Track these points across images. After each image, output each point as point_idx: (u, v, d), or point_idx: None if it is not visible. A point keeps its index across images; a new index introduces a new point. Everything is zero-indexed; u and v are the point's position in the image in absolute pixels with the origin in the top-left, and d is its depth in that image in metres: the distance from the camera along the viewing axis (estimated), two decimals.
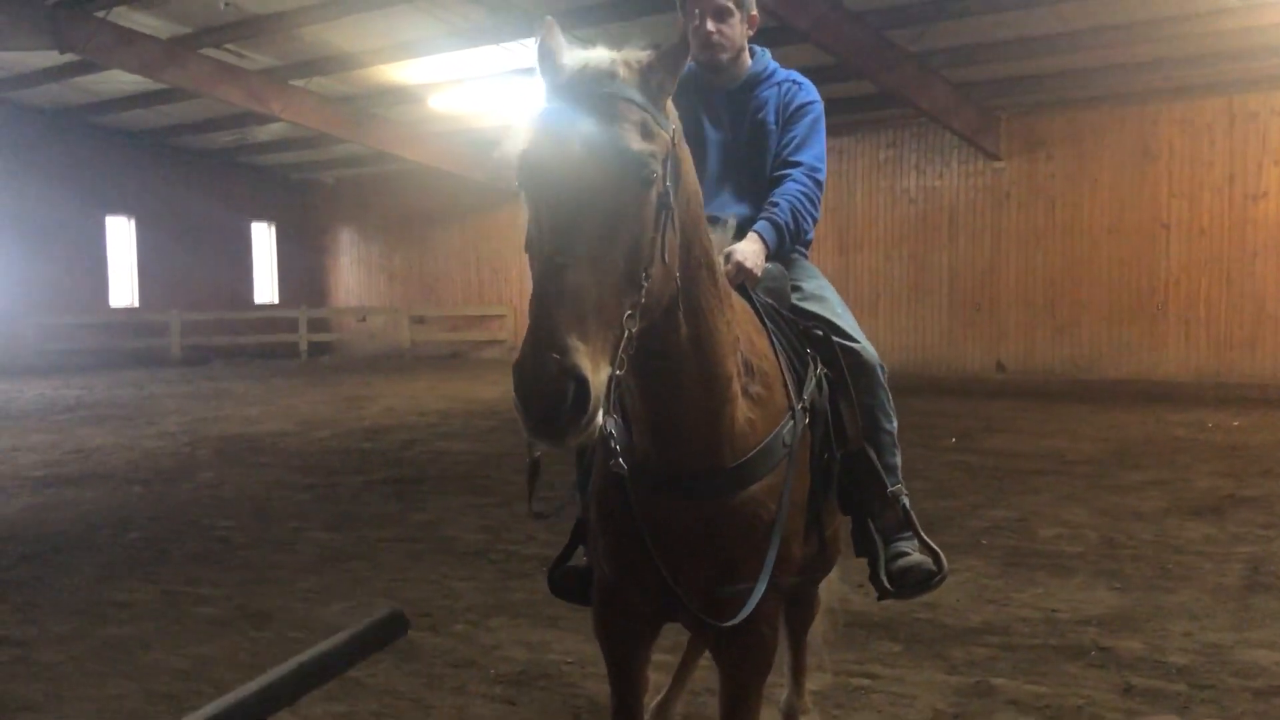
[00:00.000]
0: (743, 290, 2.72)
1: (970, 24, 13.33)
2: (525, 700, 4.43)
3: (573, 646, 5.02)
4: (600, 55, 2.11)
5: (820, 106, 3.23)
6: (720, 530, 2.46)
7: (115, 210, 22.93)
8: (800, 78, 3.27)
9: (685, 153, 2.27)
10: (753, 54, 3.28)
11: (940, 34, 13.69)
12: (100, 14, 15.14)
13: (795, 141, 3.14)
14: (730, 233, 2.86)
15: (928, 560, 2.87)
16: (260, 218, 25.44)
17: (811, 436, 2.67)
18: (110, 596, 6.00)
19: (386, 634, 2.27)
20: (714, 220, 2.89)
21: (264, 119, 19.23)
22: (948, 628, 5.22)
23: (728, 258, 2.75)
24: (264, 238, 25.82)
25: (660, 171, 2.06)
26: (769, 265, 2.88)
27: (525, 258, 2.03)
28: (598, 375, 1.88)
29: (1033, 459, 9.80)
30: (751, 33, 3.23)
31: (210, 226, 24.18)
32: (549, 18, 2.15)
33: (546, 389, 1.83)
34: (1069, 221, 16.40)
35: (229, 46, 16.55)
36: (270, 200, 25.41)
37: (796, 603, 3.75)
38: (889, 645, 5.01)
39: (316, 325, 24.76)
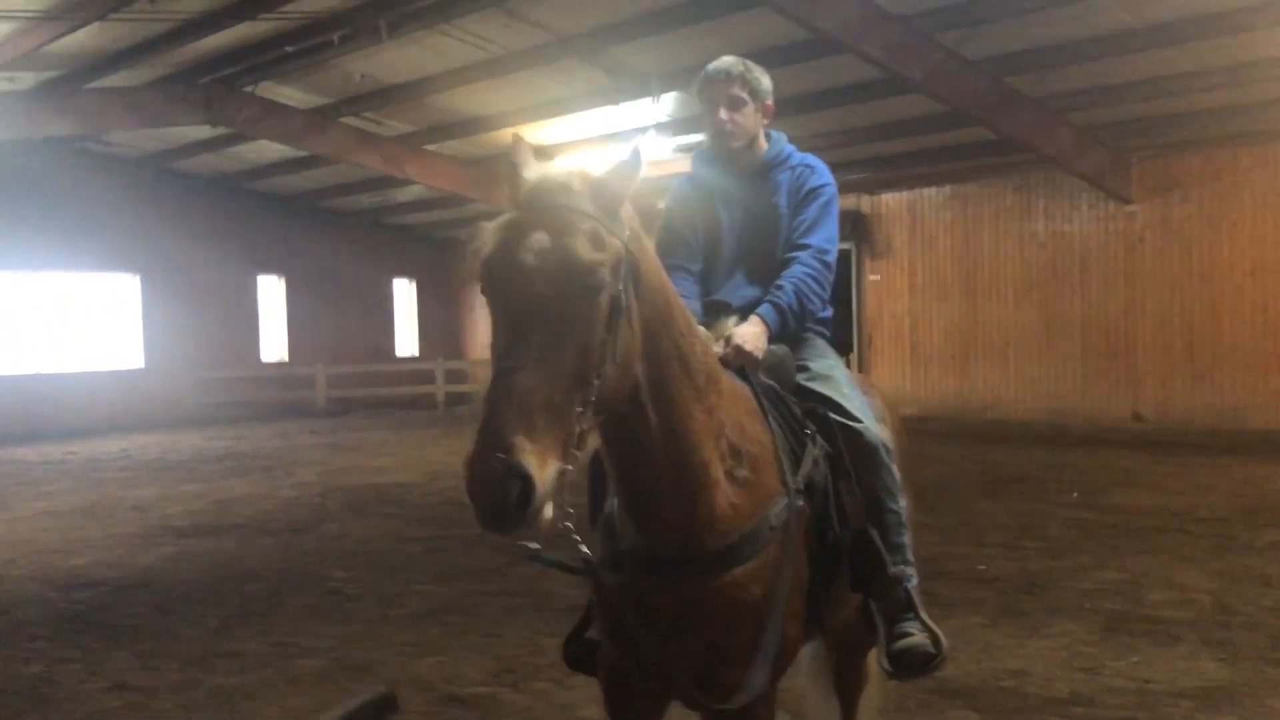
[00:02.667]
0: (743, 372, 2.81)
1: (1095, 67, 13.06)
2: None
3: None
4: (557, 169, 2.26)
5: (833, 189, 3.30)
6: (706, 613, 2.53)
7: (266, 270, 24.21)
8: (814, 161, 3.34)
9: (646, 254, 2.39)
10: (770, 139, 3.38)
11: (1063, 78, 13.46)
12: (248, 89, 16.18)
13: (805, 224, 3.21)
14: (734, 318, 2.96)
15: (927, 643, 2.86)
16: (402, 274, 26.45)
17: (811, 516, 2.73)
18: (225, 647, 6.35)
19: (374, 715, 2.37)
20: (722, 306, 3.01)
21: (402, 181, 20.09)
22: (1031, 697, 5.10)
23: (728, 341, 2.84)
24: (405, 293, 26.84)
25: (609, 278, 2.18)
26: (773, 347, 2.95)
27: None
28: (544, 472, 2.00)
29: (1156, 516, 9.41)
30: (766, 121, 3.33)
31: (355, 284, 25.30)
32: (516, 134, 2.32)
33: (492, 487, 1.96)
34: (1207, 265, 15.75)
35: (366, 115, 17.45)
36: (411, 257, 26.40)
37: (846, 673, 3.78)
38: (967, 714, 4.93)
39: (454, 376, 25.52)
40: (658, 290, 2.40)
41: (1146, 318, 16.39)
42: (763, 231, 3.25)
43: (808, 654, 3.89)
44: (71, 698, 5.55)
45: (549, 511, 2.02)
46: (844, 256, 19.94)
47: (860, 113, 15.62)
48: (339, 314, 24.98)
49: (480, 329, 26.74)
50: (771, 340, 2.94)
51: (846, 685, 3.81)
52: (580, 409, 2.09)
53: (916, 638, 2.84)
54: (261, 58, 14.98)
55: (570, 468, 2.08)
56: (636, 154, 2.29)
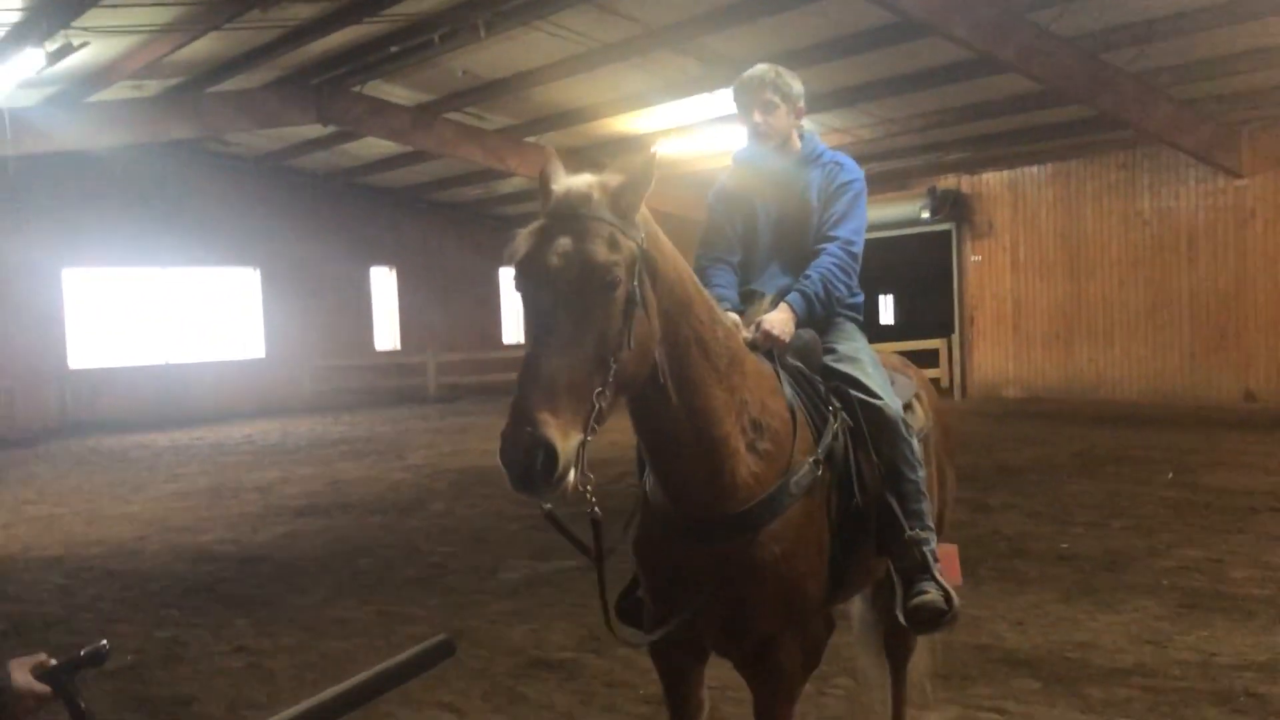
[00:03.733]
0: (771, 355, 3.07)
1: (1195, 40, 12.79)
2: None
3: (723, 675, 5.36)
4: (581, 181, 2.55)
5: (860, 184, 3.51)
6: (731, 570, 2.81)
7: (379, 262, 25.10)
8: (843, 158, 3.56)
9: (663, 252, 2.67)
10: (803, 138, 3.61)
11: (1162, 52, 13.19)
12: (356, 89, 16.87)
13: (834, 217, 3.44)
14: (766, 305, 3.24)
15: (940, 600, 3.08)
16: (507, 263, 27.02)
17: (833, 484, 3.00)
18: (335, 615, 6.85)
19: (434, 658, 2.66)
20: (756, 295, 3.28)
21: (504, 173, 20.63)
22: (1095, 668, 5.22)
23: (758, 326, 3.12)
24: (510, 282, 27.47)
25: (624, 275, 2.46)
26: (800, 331, 3.21)
27: None
28: (567, 442, 2.31)
29: (1253, 496, 9.28)
30: (799, 121, 3.56)
31: (463, 273, 26.04)
32: (549, 147, 2.61)
33: (520, 455, 2.28)
34: None
35: (469, 110, 18.01)
36: None
37: (895, 638, 4.01)
38: (1029, 682, 5.08)
39: None
40: (675, 283, 2.68)
41: (1258, 294, 15.95)
42: (796, 225, 3.50)
43: (859, 619, 4.15)
44: (198, 658, 6.10)
45: (571, 476, 2.33)
46: (944, 237, 19.82)
47: (956, 93, 15.55)
48: (448, 303, 25.74)
49: None
50: (800, 325, 3.20)
51: (896, 649, 4.04)
52: (600, 389, 2.39)
53: (930, 595, 3.06)
54: (368, 58, 15.62)
55: (590, 439, 2.39)
56: (649, 165, 2.56)
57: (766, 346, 3.09)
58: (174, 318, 22.41)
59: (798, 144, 3.56)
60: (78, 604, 7.46)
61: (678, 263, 2.73)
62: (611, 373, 2.42)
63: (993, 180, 19.18)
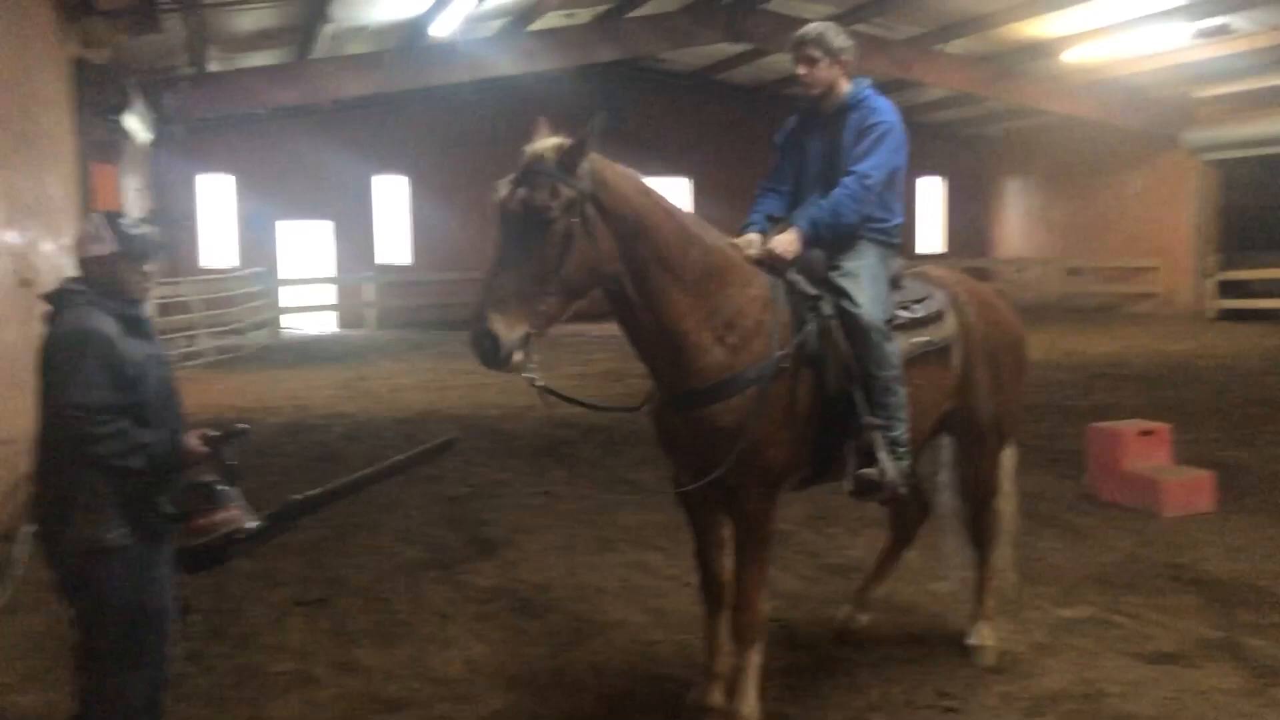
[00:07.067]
0: (774, 268, 3.79)
1: None
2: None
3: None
4: (541, 144, 3.37)
5: (887, 125, 3.96)
6: (696, 432, 3.63)
7: None
8: (879, 102, 4.03)
9: (614, 193, 3.42)
10: (854, 84, 4.11)
11: None
12: (763, 5, 17.77)
13: (859, 155, 3.94)
14: (783, 228, 3.92)
15: (876, 475, 3.69)
16: (930, 172, 26.96)
17: (811, 374, 3.69)
18: (631, 477, 8.17)
19: (440, 452, 3.76)
20: (779, 220, 3.98)
21: (914, 84, 20.61)
22: (1274, 595, 5.20)
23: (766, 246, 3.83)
24: (932, 191, 27.37)
25: (560, 215, 3.27)
26: (810, 251, 3.84)
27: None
28: (511, 333, 3.22)
29: None
30: (843, 72, 4.06)
31: None
32: (540, 118, 3.46)
33: (474, 341, 3.25)
34: None
35: (876, 20, 18.26)
36: (940, 155, 26.72)
37: (975, 525, 4.52)
38: (1188, 599, 5.21)
39: (975, 275, 25.65)
40: (629, 216, 3.45)
41: None
42: (833, 161, 4.06)
43: (945, 506, 4.67)
44: (511, 496, 7.69)
45: (518, 357, 3.26)
46: None
47: None
48: None
49: (1008, 227, 26.54)
50: (808, 246, 3.84)
51: (978, 535, 4.53)
52: (545, 295, 3.28)
53: (871, 470, 3.71)
54: None
55: (534, 332, 3.28)
56: (584, 137, 3.37)
57: (770, 262, 3.80)
58: None
59: (842, 90, 4.09)
60: (456, 450, 9.37)
61: (633, 201, 3.50)
62: (554, 285, 3.30)
63: None
